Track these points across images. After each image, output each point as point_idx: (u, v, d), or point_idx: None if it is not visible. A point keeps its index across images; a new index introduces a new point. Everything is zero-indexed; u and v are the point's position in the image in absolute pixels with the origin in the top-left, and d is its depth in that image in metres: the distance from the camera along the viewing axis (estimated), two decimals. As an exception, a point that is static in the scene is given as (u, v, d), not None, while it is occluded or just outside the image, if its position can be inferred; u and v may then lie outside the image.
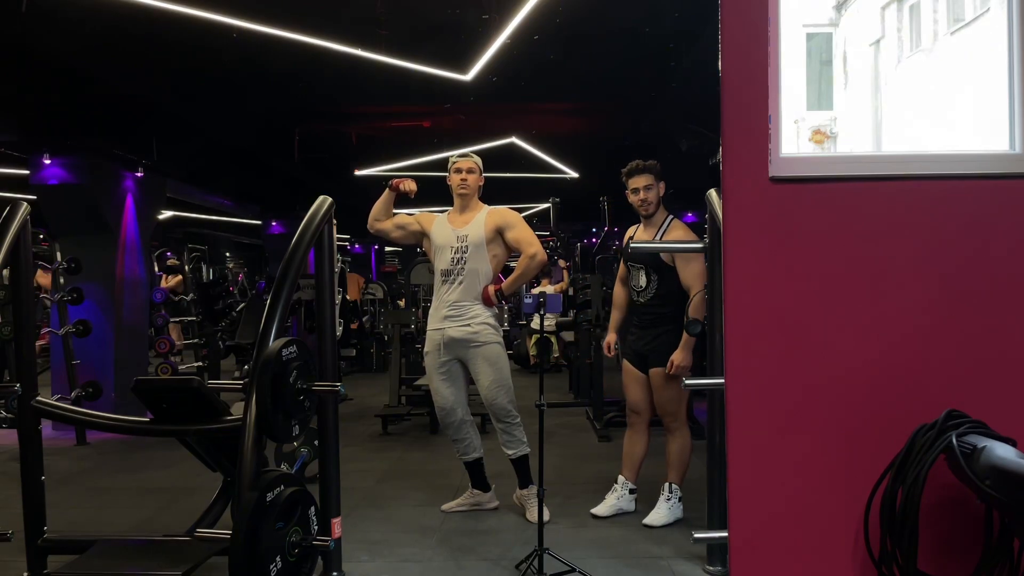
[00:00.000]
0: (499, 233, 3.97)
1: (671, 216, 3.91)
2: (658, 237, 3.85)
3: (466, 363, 3.99)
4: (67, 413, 3.36)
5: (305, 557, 2.52)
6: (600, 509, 4.09)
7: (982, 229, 1.89)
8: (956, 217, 1.89)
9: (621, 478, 4.11)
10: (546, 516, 3.61)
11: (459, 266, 3.95)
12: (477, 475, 4.16)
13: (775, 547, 1.90)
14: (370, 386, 8.91)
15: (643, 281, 3.91)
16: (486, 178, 4.18)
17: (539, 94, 6.54)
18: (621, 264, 4.17)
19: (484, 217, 4.00)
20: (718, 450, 3.19)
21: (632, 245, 3.76)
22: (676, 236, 3.83)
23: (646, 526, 3.88)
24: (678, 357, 3.72)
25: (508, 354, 4.19)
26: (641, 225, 4.00)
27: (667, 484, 3.95)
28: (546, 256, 4.03)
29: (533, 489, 3.84)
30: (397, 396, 6.94)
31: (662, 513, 3.91)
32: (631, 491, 4.11)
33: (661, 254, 3.83)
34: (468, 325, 3.92)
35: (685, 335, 3.68)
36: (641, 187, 3.85)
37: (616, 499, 4.08)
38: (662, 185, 3.88)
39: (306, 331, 7.44)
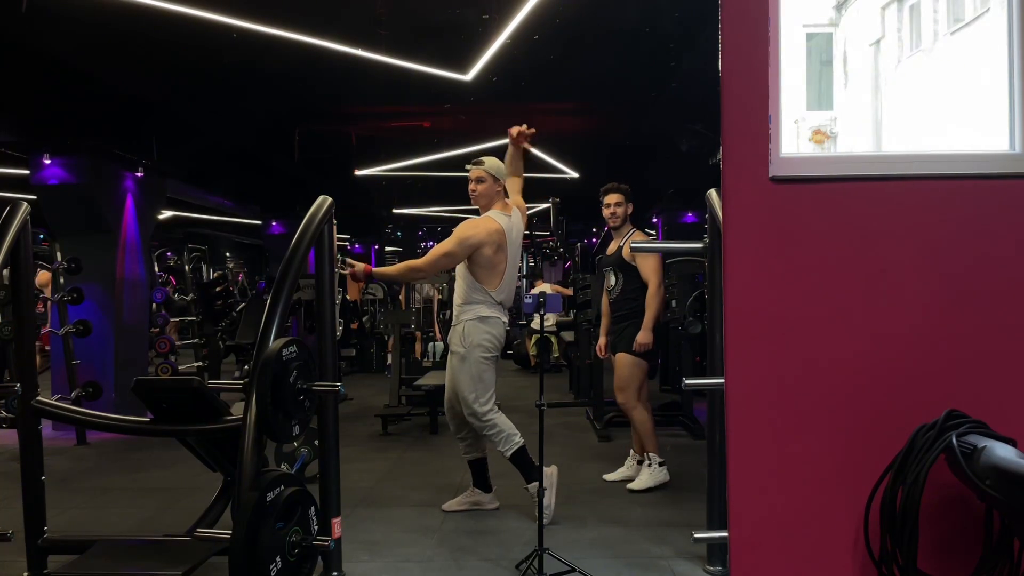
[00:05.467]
0: None
1: (633, 228, 4.64)
2: (625, 241, 4.53)
3: None
4: (67, 413, 3.36)
5: (305, 557, 2.51)
6: (610, 475, 4.76)
7: (982, 229, 1.89)
8: (956, 217, 1.89)
9: (631, 451, 4.78)
10: (548, 515, 3.65)
11: (452, 272, 4.05)
12: (479, 474, 4.16)
13: (775, 547, 1.90)
14: (370, 386, 8.91)
15: (612, 280, 4.61)
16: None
17: (539, 94, 6.55)
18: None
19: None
20: (718, 450, 3.19)
21: (633, 245, 4.27)
22: (635, 239, 4.53)
23: (631, 491, 4.45)
24: (642, 336, 4.36)
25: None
26: (613, 239, 4.68)
27: (645, 454, 4.54)
28: (420, 267, 4.04)
29: (532, 487, 3.83)
30: (397, 396, 6.94)
31: (644, 478, 4.48)
32: (639, 462, 4.66)
33: (623, 255, 4.49)
34: (455, 327, 4.01)
35: (647, 317, 4.36)
36: (612, 203, 4.54)
37: (626, 468, 4.75)
38: (630, 205, 4.59)
39: (306, 331, 7.45)
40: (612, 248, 4.64)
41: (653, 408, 4.80)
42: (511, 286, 4.10)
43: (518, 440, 3.90)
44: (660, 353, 4.64)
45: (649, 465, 4.49)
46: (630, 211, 4.58)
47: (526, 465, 3.90)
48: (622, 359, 4.47)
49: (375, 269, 3.98)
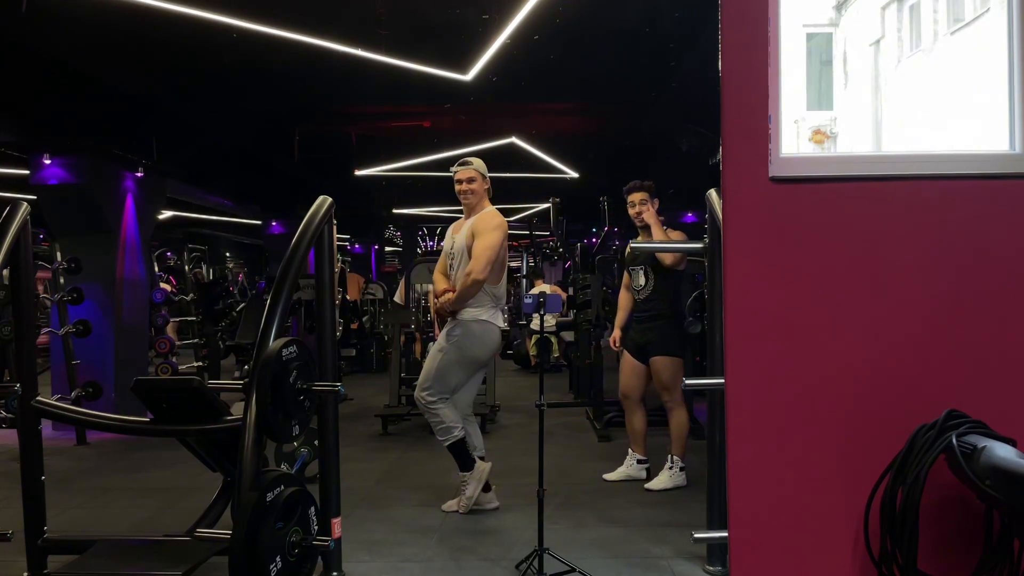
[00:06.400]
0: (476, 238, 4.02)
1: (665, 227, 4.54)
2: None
3: None
4: (67, 413, 3.36)
5: (305, 557, 2.51)
6: (610, 475, 4.75)
7: (982, 229, 1.89)
8: (956, 217, 1.89)
9: (630, 451, 4.76)
10: (466, 506, 4.03)
11: (453, 272, 4.09)
12: (460, 457, 4.16)
13: (775, 547, 1.90)
14: (370, 386, 8.90)
15: (642, 280, 4.56)
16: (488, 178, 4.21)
17: (539, 94, 6.54)
18: (625, 274, 4.79)
19: (472, 222, 4.07)
20: (718, 450, 3.19)
21: (633, 245, 4.33)
22: (673, 236, 4.51)
23: (647, 490, 4.46)
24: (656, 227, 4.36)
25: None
26: (640, 236, 4.61)
27: (669, 455, 4.53)
28: (482, 278, 3.93)
29: (465, 475, 4.07)
30: (397, 396, 6.94)
31: (663, 479, 4.49)
32: (639, 461, 4.72)
33: (656, 255, 4.44)
34: (450, 321, 4.07)
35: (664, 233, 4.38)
36: (637, 202, 4.45)
37: (626, 467, 4.74)
38: (656, 201, 4.48)
39: (306, 331, 7.44)
40: (641, 246, 4.58)
41: (654, 408, 4.83)
42: (504, 282, 4.21)
43: (457, 434, 4.00)
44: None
45: (671, 468, 4.50)
46: (656, 207, 4.49)
47: (462, 457, 4.05)
48: (663, 362, 4.46)
49: (452, 305, 3.99)
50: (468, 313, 3.99)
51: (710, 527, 3.26)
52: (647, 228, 4.45)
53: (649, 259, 4.49)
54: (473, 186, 4.09)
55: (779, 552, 1.90)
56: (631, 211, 4.49)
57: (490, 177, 4.23)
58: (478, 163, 4.16)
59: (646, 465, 4.71)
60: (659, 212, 4.49)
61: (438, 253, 4.38)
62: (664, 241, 4.39)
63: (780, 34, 1.87)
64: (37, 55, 5.04)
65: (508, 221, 4.21)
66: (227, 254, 20.33)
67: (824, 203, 1.89)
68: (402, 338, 7.32)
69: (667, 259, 4.42)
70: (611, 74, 5.97)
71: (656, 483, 4.49)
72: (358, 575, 3.31)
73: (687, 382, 2.39)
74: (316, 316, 3.39)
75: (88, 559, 2.79)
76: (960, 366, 1.89)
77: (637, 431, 4.71)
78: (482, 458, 4.13)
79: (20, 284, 3.18)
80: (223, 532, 2.84)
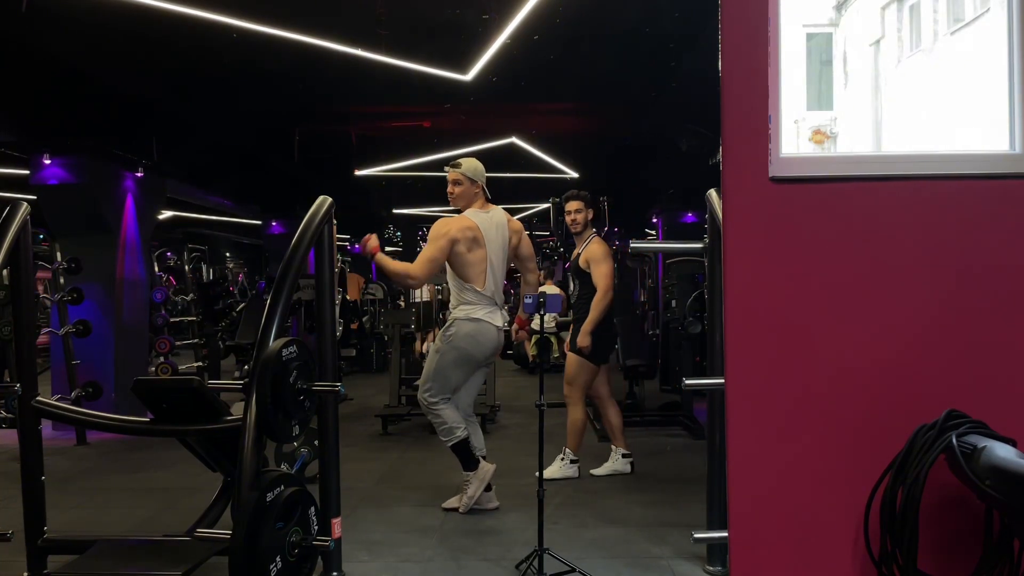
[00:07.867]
0: None
1: (593, 233, 4.76)
2: (583, 248, 4.69)
3: None
4: (67, 413, 3.36)
5: (305, 557, 2.51)
6: (597, 470, 4.87)
7: (982, 229, 1.89)
8: (956, 217, 1.89)
9: (613, 447, 4.91)
10: (467, 506, 4.04)
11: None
12: (463, 457, 4.17)
13: (775, 547, 1.90)
14: (370, 386, 8.90)
15: (572, 286, 4.82)
16: (487, 178, 4.18)
17: (539, 94, 6.54)
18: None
19: None
20: (718, 450, 3.19)
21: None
22: (592, 249, 4.64)
23: (541, 478, 4.34)
24: (579, 340, 4.54)
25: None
26: (576, 242, 4.84)
27: (564, 449, 4.79)
28: (407, 279, 3.98)
29: (468, 475, 4.06)
30: (397, 396, 6.94)
31: (555, 470, 4.72)
32: (623, 455, 4.85)
33: (579, 262, 4.67)
34: (447, 322, 4.12)
35: (587, 320, 4.50)
36: (573, 210, 4.71)
37: (612, 462, 4.88)
38: (590, 211, 4.75)
39: (306, 331, 7.44)
40: (575, 254, 4.80)
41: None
42: (499, 283, 4.16)
43: (460, 434, 4.00)
44: (608, 355, 4.95)
45: (562, 459, 4.76)
46: (590, 216, 4.73)
47: (465, 457, 4.06)
48: (570, 357, 4.72)
49: (380, 255, 3.89)
50: (462, 311, 4.01)
51: (710, 527, 3.26)
52: (580, 235, 4.73)
53: (574, 267, 4.74)
54: (458, 189, 4.09)
55: (779, 552, 1.90)
56: (567, 218, 4.74)
57: (491, 177, 4.20)
58: (467, 165, 4.11)
59: (630, 459, 4.84)
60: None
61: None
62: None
63: (780, 34, 1.87)
64: (37, 55, 5.04)
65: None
66: (227, 254, 20.31)
67: (824, 203, 1.89)
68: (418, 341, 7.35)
69: (599, 280, 4.53)
70: (611, 74, 5.97)
71: (549, 472, 4.58)
72: (358, 575, 3.31)
73: (687, 382, 2.39)
74: (316, 316, 3.39)
75: (88, 559, 2.79)
76: (961, 366, 1.89)
77: (614, 426, 4.85)
78: (484, 457, 4.14)
79: (20, 284, 3.18)
80: (223, 532, 2.84)
